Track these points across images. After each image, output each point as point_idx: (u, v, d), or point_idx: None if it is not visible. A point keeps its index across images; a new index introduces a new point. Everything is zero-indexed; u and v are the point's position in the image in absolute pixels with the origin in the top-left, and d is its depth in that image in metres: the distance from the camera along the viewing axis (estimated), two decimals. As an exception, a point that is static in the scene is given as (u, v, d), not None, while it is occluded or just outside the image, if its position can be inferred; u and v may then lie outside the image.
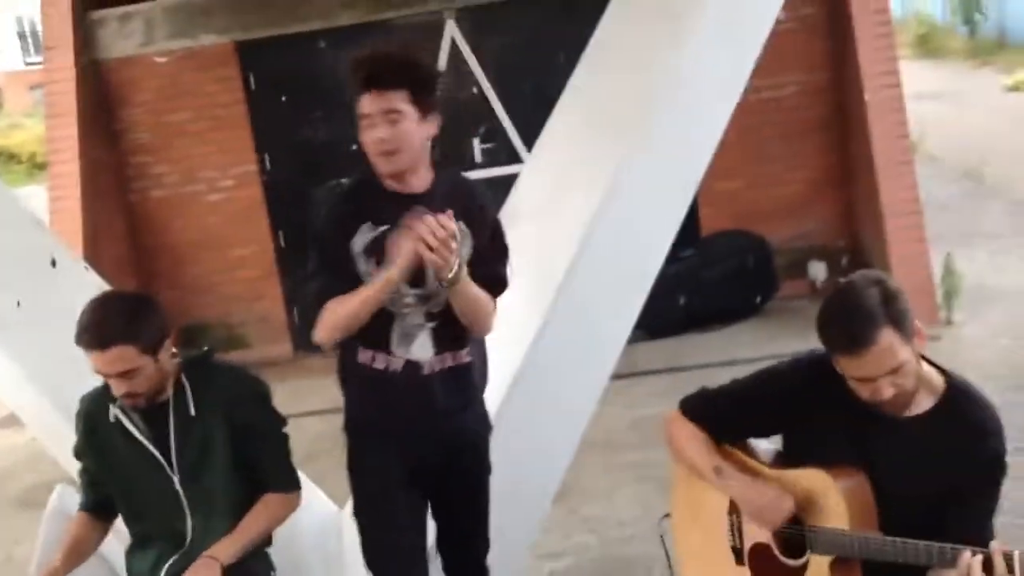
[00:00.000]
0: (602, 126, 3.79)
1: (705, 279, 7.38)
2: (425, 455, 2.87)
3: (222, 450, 2.86)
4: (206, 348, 3.07)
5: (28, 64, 29.23)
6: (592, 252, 3.56)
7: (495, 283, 2.82)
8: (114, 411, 2.88)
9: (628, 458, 5.30)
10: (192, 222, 8.14)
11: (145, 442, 2.85)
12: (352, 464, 2.92)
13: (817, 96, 7.67)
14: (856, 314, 2.28)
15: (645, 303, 3.72)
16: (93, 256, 6.90)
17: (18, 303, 3.81)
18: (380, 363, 2.80)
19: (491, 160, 7.87)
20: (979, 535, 2.32)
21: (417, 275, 2.71)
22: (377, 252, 2.71)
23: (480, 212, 2.82)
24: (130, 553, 3.00)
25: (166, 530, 2.91)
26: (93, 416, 2.93)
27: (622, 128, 3.70)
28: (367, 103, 2.66)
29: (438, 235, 2.54)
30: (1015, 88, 16.72)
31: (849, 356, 2.31)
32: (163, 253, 8.21)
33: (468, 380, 2.90)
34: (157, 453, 2.85)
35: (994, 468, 2.41)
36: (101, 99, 7.96)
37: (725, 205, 7.73)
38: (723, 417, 2.65)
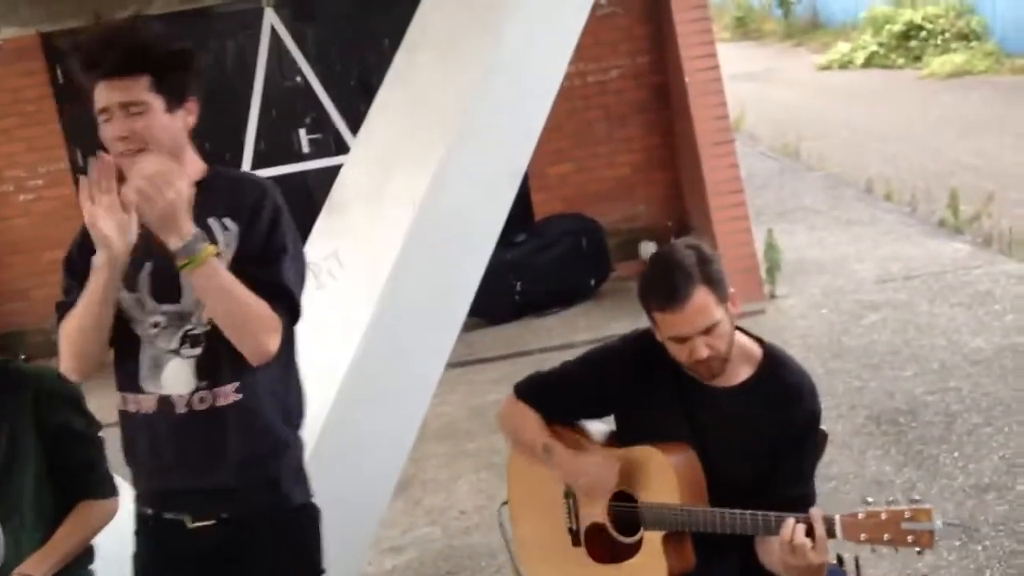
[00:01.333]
0: (424, 113, 3.74)
1: (540, 263, 7.43)
2: (186, 532, 2.33)
3: (30, 456, 2.70)
4: (22, 356, 2.90)
5: None
6: (419, 241, 3.52)
7: (272, 288, 2.24)
8: None
9: (469, 446, 5.30)
10: (1, 225, 7.71)
11: None
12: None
13: (641, 79, 7.83)
14: (673, 272, 2.39)
15: (480, 290, 3.70)
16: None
17: None
18: (131, 406, 2.33)
19: (319, 151, 7.74)
20: (802, 494, 2.43)
21: (169, 286, 2.26)
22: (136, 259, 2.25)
23: (253, 210, 2.30)
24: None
25: None
26: None
27: (444, 115, 3.67)
28: (101, 94, 2.24)
29: (144, 177, 2.11)
30: (827, 67, 17.56)
31: (665, 312, 2.39)
32: (-29, 258, 7.75)
33: (247, 428, 2.29)
34: None
35: (810, 426, 2.51)
36: None
37: (556, 189, 7.83)
38: (553, 398, 2.67)
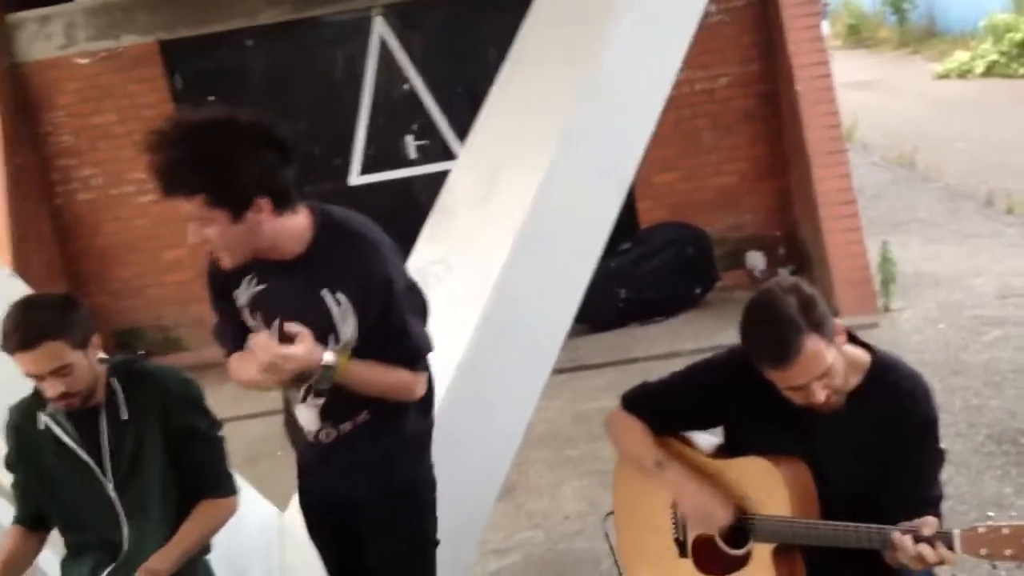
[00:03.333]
0: (532, 119, 3.75)
1: (644, 272, 7.38)
2: (328, 505, 2.71)
3: (156, 455, 2.79)
4: (138, 352, 2.99)
5: (-51, 69, 28.38)
6: (527, 246, 3.53)
7: (403, 356, 2.47)
8: (43, 418, 2.80)
9: (572, 453, 5.29)
10: (121, 225, 7.98)
11: (76, 448, 2.78)
12: None
13: (749, 87, 7.72)
14: (779, 327, 2.28)
15: (585, 297, 3.70)
16: (20, 262, 6.71)
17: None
18: (284, 407, 2.71)
19: (426, 157, 7.82)
20: (925, 498, 2.36)
21: None
22: (259, 309, 2.49)
23: (366, 277, 2.41)
24: (65, 564, 2.93)
25: (101, 539, 2.84)
26: (22, 427, 2.86)
27: (552, 121, 3.67)
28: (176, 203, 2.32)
29: (261, 361, 2.31)
30: (944, 76, 17.02)
31: (776, 369, 2.31)
32: (92, 257, 8.04)
33: (373, 436, 2.57)
34: (89, 459, 2.78)
35: (927, 430, 2.43)
36: (22, 103, 7.76)
37: (662, 197, 7.76)
38: (663, 410, 2.64)
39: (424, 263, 3.59)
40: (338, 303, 2.38)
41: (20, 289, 3.95)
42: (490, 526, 4.13)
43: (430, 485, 2.71)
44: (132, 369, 2.88)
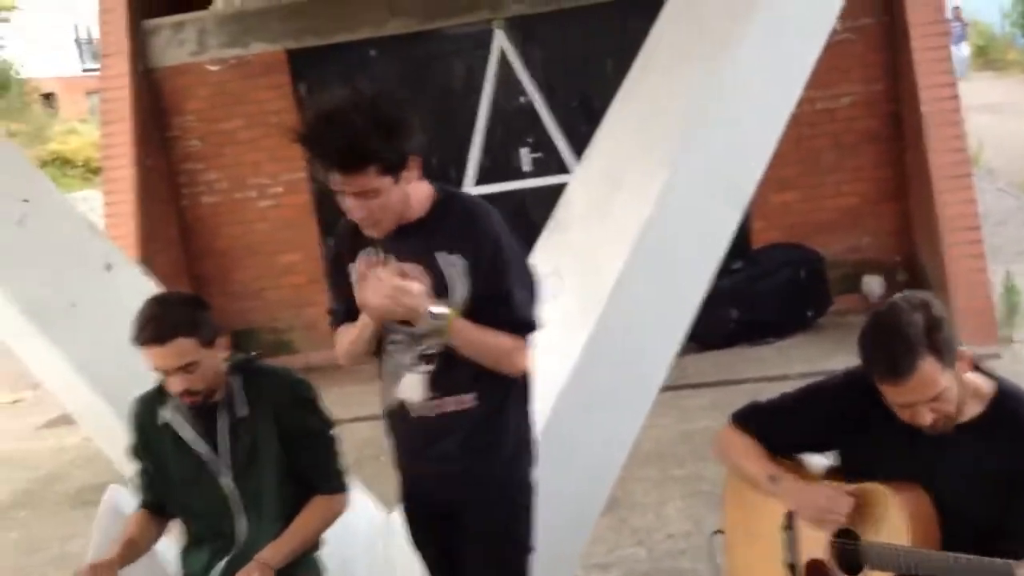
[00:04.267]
0: (651, 134, 3.74)
1: (756, 292, 7.29)
2: (427, 502, 2.71)
3: (272, 452, 2.86)
4: (253, 353, 3.08)
5: (85, 71, 29.63)
6: (642, 262, 3.51)
7: (512, 323, 2.51)
8: (163, 414, 2.89)
9: (677, 472, 5.25)
10: (243, 228, 8.21)
11: (195, 443, 2.87)
12: None
13: (873, 107, 7.57)
14: (897, 342, 2.24)
15: (696, 315, 3.66)
16: (146, 260, 6.97)
17: (73, 305, 3.85)
18: (385, 397, 2.69)
19: (540, 170, 7.86)
20: None
21: None
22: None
23: (479, 245, 2.49)
24: (185, 552, 3.02)
25: (217, 530, 2.91)
26: (144, 419, 2.96)
27: (671, 136, 3.65)
28: (334, 181, 2.42)
29: (384, 290, 2.38)
30: (1077, 101, 16.41)
31: (886, 383, 2.28)
32: (213, 258, 8.29)
33: (476, 428, 2.57)
34: (208, 454, 2.86)
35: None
36: (154, 106, 8.06)
37: (778, 217, 7.65)
38: (776, 430, 2.60)
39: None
40: (452, 264, 2.46)
41: (148, 285, 4.13)
42: (593, 540, 4.12)
43: (529, 488, 2.71)
44: (250, 368, 2.96)
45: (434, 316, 2.41)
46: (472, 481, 2.61)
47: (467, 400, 2.55)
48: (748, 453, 2.60)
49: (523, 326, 2.53)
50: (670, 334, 3.66)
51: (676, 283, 3.63)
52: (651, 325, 3.59)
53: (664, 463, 5.37)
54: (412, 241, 2.49)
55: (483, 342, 2.48)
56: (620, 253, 3.52)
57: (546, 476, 2.94)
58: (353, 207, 2.44)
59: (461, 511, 2.64)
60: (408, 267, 2.45)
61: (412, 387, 2.57)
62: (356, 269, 2.57)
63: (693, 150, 3.59)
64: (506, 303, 2.49)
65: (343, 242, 2.65)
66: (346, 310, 2.62)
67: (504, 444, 2.62)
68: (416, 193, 2.51)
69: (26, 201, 4.02)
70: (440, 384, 2.54)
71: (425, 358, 2.54)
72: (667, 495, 5.01)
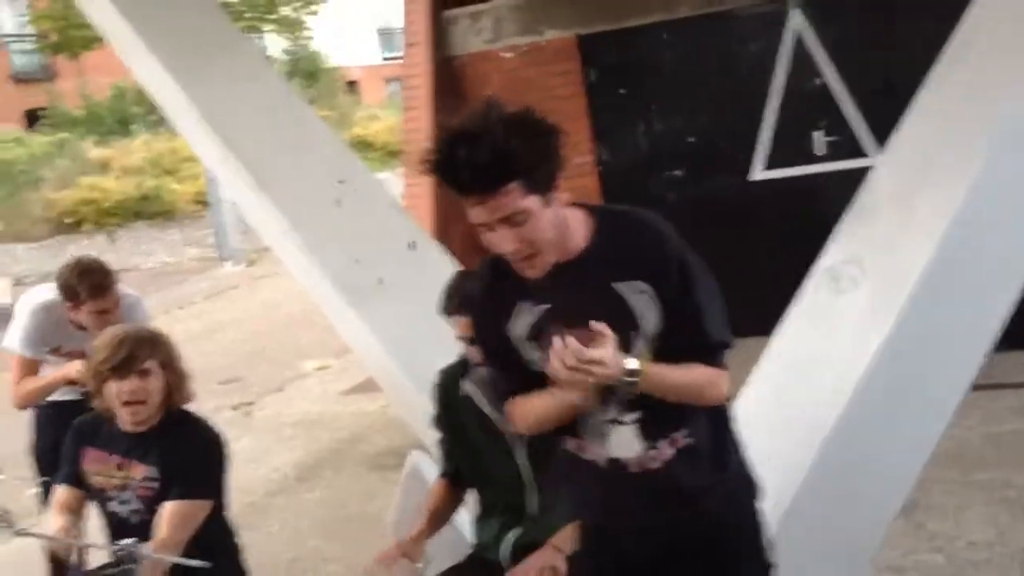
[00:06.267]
0: (966, 120, 3.51)
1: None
2: (624, 561, 2.36)
3: None
4: None
5: (385, 59, 31.34)
6: (950, 255, 3.32)
7: (707, 351, 2.22)
8: (466, 386, 3.01)
9: (980, 476, 4.95)
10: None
11: (494, 415, 2.93)
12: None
13: None
14: None
15: (1012, 311, 3.42)
16: (443, 238, 7.29)
17: (380, 280, 4.10)
18: (588, 453, 2.32)
19: (834, 154, 7.56)
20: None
21: None
22: (543, 335, 2.15)
23: (660, 260, 2.18)
24: (478, 521, 3.15)
25: (510, 503, 3.01)
26: (447, 390, 3.09)
27: (988, 123, 3.43)
28: (476, 213, 2.10)
29: (567, 363, 2.01)
30: None
31: None
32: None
33: (698, 461, 2.29)
34: (504, 428, 2.92)
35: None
36: (453, 93, 8.38)
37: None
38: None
39: (836, 262, 3.50)
40: (638, 292, 2.16)
41: (449, 262, 4.33)
42: (886, 543, 3.96)
43: (758, 528, 2.42)
44: None
45: (628, 372, 2.09)
46: (700, 521, 2.31)
47: (682, 439, 2.27)
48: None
49: (718, 348, 2.24)
50: (981, 331, 3.46)
51: (988, 279, 3.42)
52: (959, 324, 3.40)
53: (965, 466, 5.06)
54: (581, 276, 2.17)
55: (679, 384, 2.18)
56: (927, 245, 3.34)
57: (842, 471, 2.86)
58: (501, 239, 2.09)
59: (683, 559, 2.32)
60: (595, 327, 2.07)
61: (626, 442, 2.26)
62: (517, 325, 2.24)
63: (1011, 137, 3.35)
64: (698, 325, 2.19)
65: (488, 301, 2.32)
66: (512, 374, 2.28)
67: (729, 477, 2.36)
68: (574, 216, 2.20)
69: (342, 182, 4.31)
70: (654, 430, 2.25)
71: (626, 404, 2.23)
72: (968, 500, 4.73)
